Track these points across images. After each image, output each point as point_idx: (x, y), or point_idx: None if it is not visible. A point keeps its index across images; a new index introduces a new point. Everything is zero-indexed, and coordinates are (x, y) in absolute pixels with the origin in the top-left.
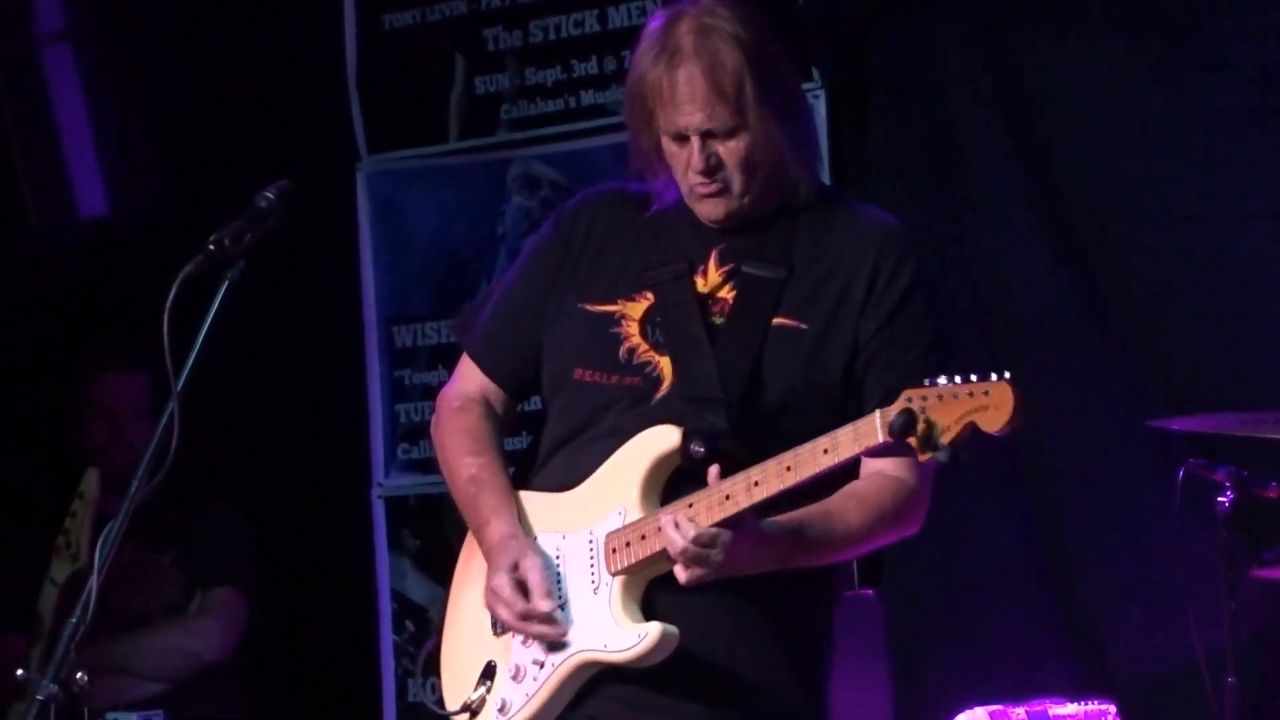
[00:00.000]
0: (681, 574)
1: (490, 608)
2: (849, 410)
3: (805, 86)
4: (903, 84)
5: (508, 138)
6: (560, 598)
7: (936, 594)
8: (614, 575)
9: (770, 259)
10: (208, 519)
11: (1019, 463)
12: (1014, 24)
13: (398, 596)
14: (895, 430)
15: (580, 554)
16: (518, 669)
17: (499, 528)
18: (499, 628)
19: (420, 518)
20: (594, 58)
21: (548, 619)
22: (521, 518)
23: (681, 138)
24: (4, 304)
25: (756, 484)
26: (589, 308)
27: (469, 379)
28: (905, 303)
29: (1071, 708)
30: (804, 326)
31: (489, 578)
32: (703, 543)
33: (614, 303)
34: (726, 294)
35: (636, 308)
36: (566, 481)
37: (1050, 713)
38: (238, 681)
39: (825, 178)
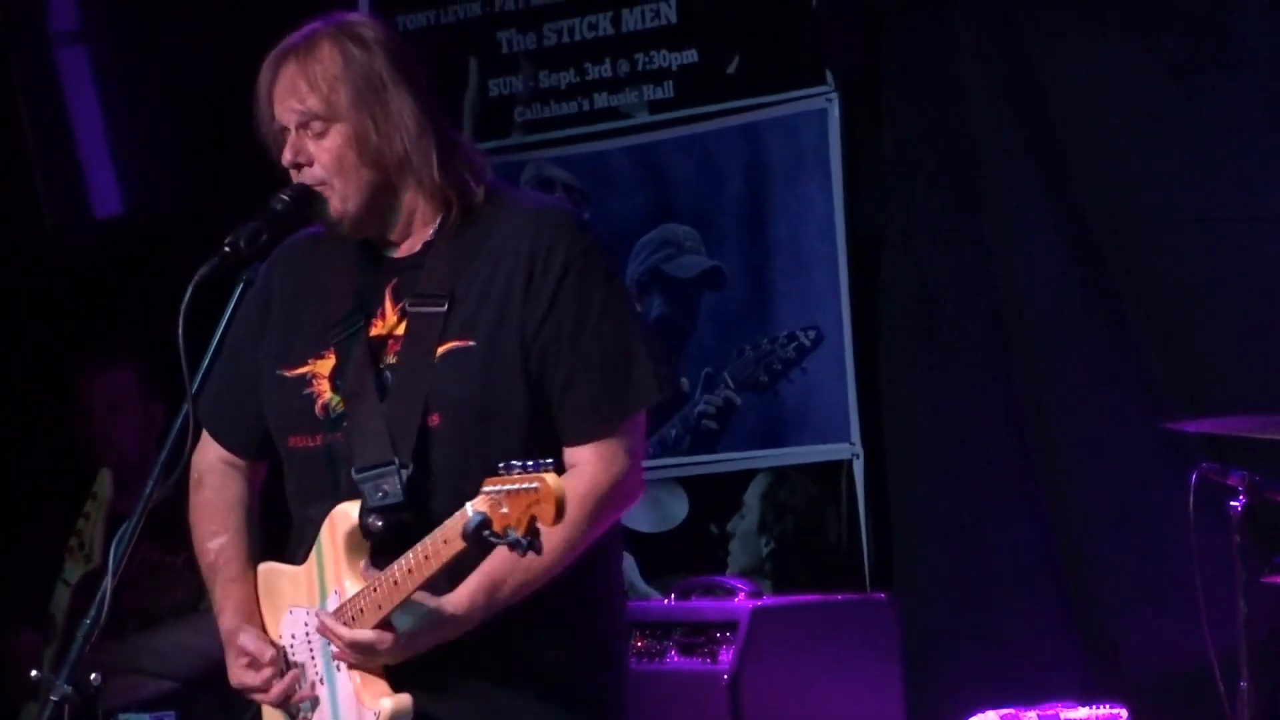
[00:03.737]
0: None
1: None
2: (537, 416)
3: (819, 89)
4: (916, 83)
5: (521, 140)
6: (318, 673)
7: (949, 596)
8: None
9: (432, 292)
10: None
11: (1032, 464)
12: (1029, 21)
13: None
14: (469, 535)
15: (318, 633)
16: None
17: (225, 622)
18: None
19: None
20: (607, 60)
21: (281, 674)
22: (270, 595)
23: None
24: (19, 303)
25: (410, 571)
26: (285, 373)
27: (206, 448)
28: (563, 286)
29: (1083, 711)
30: (471, 343)
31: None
32: (359, 649)
33: (304, 364)
34: (400, 330)
35: (325, 364)
36: (299, 554)
37: (1062, 716)
38: None
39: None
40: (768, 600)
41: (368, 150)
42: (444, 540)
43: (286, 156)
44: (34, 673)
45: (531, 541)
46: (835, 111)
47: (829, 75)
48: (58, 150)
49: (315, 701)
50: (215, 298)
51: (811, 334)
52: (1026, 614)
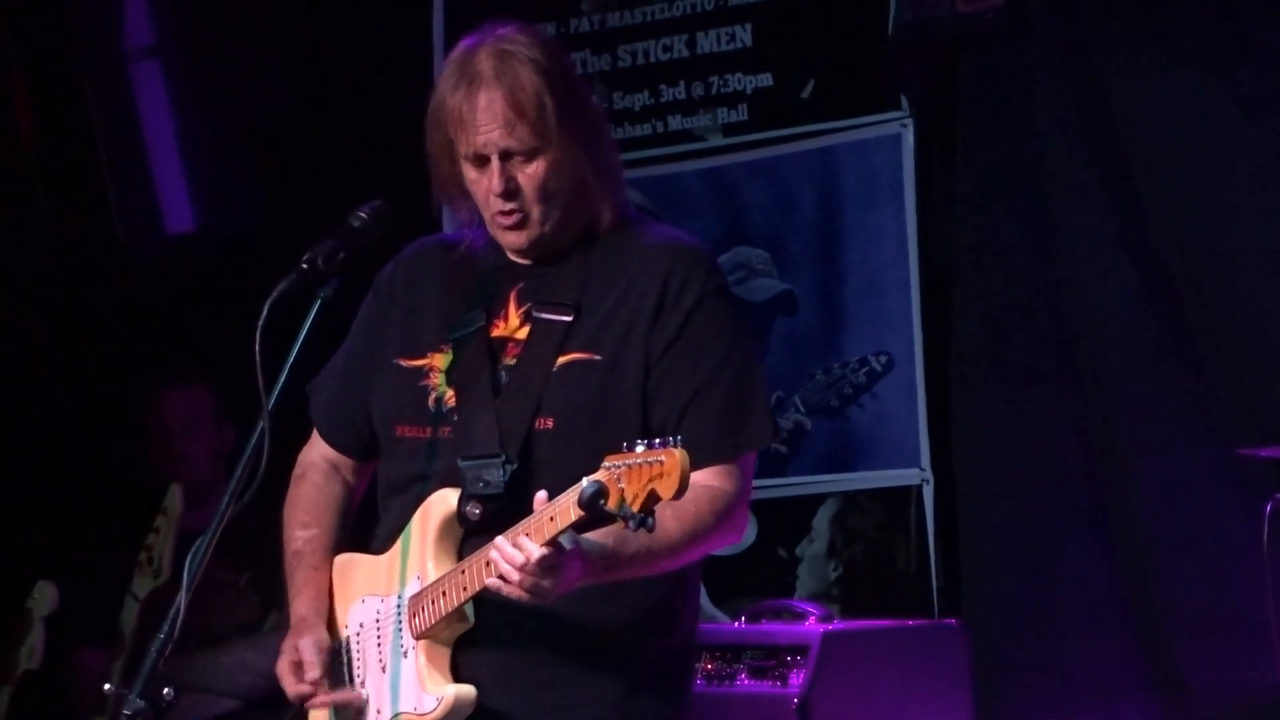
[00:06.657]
0: (512, 592)
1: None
2: (647, 435)
3: (893, 115)
4: (990, 113)
5: None
6: (381, 661)
7: (1017, 624)
8: (417, 639)
9: (559, 300)
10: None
11: (1102, 493)
12: (1103, 54)
13: None
14: (584, 502)
15: (391, 619)
16: None
17: (297, 608)
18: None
19: None
20: (682, 83)
21: (324, 690)
22: (344, 583)
23: (481, 160)
24: (90, 318)
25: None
26: (402, 363)
27: (314, 445)
28: (694, 317)
29: None
30: (597, 357)
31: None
32: (545, 566)
33: (424, 356)
34: (521, 334)
35: (443, 359)
36: (384, 542)
37: None
38: None
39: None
40: (839, 625)
41: (571, 178)
42: (550, 518)
43: (497, 186)
44: (107, 686)
45: (644, 519)
46: (910, 137)
47: (904, 101)
48: (130, 165)
49: (363, 707)
50: (292, 314)
51: (883, 359)
52: (1095, 643)
